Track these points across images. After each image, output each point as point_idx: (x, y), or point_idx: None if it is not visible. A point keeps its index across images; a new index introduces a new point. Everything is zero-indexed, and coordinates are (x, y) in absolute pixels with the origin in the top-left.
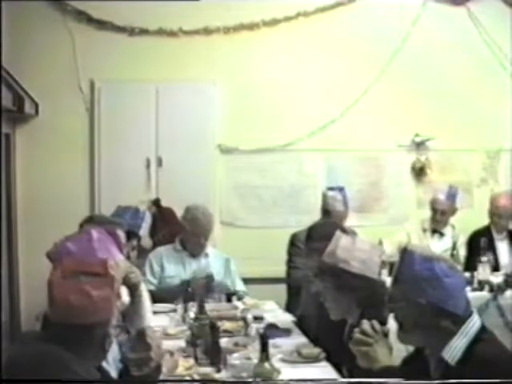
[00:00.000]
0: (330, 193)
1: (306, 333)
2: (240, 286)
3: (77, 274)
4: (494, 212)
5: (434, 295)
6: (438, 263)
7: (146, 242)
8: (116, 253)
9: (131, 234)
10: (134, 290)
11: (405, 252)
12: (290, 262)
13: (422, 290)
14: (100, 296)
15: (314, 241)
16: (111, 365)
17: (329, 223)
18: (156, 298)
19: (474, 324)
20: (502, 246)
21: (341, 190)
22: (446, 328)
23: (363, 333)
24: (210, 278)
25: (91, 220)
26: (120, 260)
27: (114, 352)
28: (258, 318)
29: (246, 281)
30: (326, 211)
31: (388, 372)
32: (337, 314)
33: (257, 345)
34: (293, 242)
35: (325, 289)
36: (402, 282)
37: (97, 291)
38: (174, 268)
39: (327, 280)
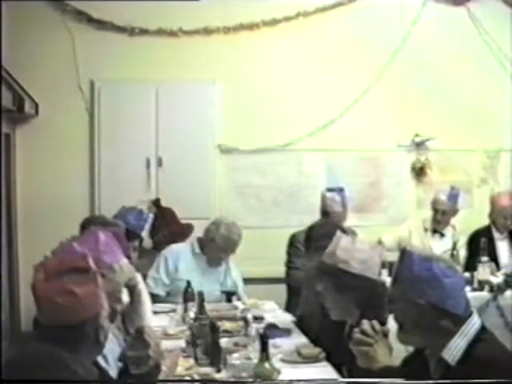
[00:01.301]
0: (329, 194)
1: (306, 333)
2: (239, 289)
3: (59, 274)
4: (495, 212)
5: (434, 295)
6: (437, 263)
7: (146, 242)
8: (121, 256)
9: (133, 235)
10: (131, 290)
11: (404, 253)
12: (289, 263)
13: (421, 291)
14: (85, 293)
15: (312, 241)
16: (111, 365)
17: (327, 223)
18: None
19: (473, 324)
20: (502, 246)
21: (340, 190)
22: (445, 328)
23: (363, 333)
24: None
25: (91, 221)
26: (124, 263)
27: (114, 352)
28: (257, 318)
29: (246, 281)
30: (325, 212)
31: (388, 372)
32: (336, 314)
33: (257, 345)
34: (292, 242)
35: (325, 289)
36: (401, 283)
37: (81, 288)
38: (189, 272)
39: (327, 280)
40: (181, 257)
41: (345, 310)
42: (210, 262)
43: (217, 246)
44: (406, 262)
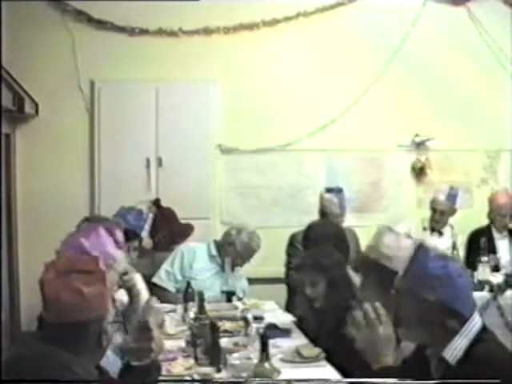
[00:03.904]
0: (327, 195)
1: (306, 333)
2: (239, 289)
3: (69, 273)
4: (493, 211)
5: (445, 293)
6: (453, 263)
7: (146, 242)
8: (116, 247)
9: (133, 235)
10: (130, 289)
11: (420, 248)
12: (288, 263)
13: (432, 287)
14: (92, 292)
15: (311, 240)
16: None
17: (326, 223)
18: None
19: (475, 324)
20: (502, 244)
21: (339, 191)
22: (450, 328)
23: (364, 315)
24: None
25: (88, 221)
26: (121, 253)
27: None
28: (257, 318)
29: (247, 281)
30: (323, 213)
31: (389, 371)
32: None
33: (257, 345)
34: (292, 242)
35: (362, 282)
36: (413, 277)
37: (88, 288)
38: (203, 273)
39: (365, 273)
40: (197, 256)
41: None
42: (223, 267)
43: (234, 251)
44: (421, 258)
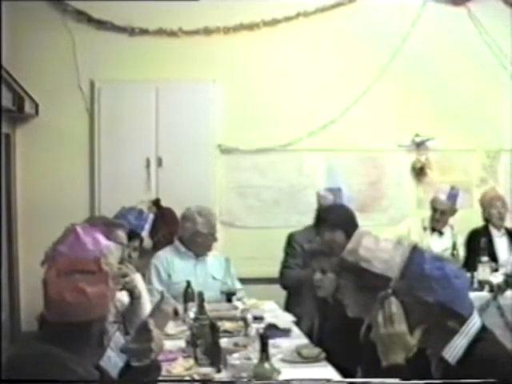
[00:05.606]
0: (322, 193)
1: (306, 333)
2: (239, 287)
3: (71, 273)
4: (486, 207)
5: (443, 295)
6: (448, 264)
7: (146, 242)
8: (104, 240)
9: (133, 235)
10: (131, 291)
11: (414, 250)
12: (284, 262)
13: (430, 289)
14: (95, 292)
15: (323, 222)
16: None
17: (338, 206)
18: None
19: (474, 324)
20: (500, 243)
21: (338, 191)
22: (451, 328)
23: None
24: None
25: (91, 221)
26: (110, 244)
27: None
28: (257, 318)
29: (246, 281)
30: None
31: (396, 370)
32: (354, 311)
33: (257, 345)
34: (290, 241)
35: (344, 286)
36: (410, 279)
37: (92, 288)
38: (182, 272)
39: (347, 277)
40: (169, 262)
41: (363, 308)
42: (197, 254)
43: (203, 236)
44: (417, 259)
